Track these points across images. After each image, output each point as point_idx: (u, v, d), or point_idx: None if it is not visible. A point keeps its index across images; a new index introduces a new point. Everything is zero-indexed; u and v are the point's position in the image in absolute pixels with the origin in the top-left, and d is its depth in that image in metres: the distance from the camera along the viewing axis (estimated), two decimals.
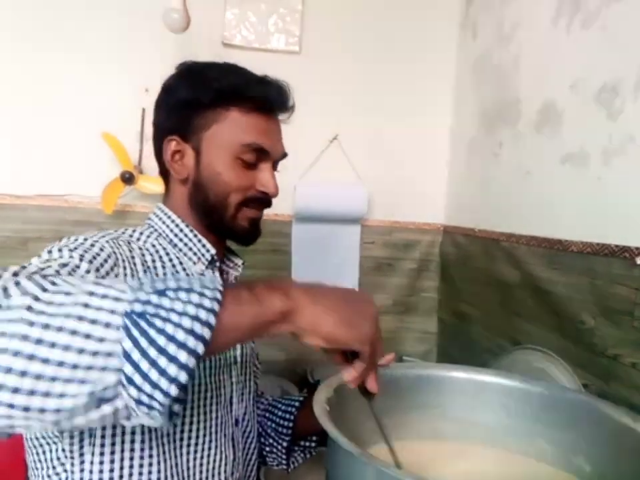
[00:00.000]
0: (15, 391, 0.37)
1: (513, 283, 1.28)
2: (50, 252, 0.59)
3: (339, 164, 1.67)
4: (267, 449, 0.92)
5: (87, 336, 0.39)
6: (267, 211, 1.79)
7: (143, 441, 0.64)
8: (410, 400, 0.80)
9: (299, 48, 1.64)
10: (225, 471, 0.75)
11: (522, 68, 1.30)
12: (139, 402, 0.40)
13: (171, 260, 0.75)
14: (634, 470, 0.65)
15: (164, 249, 0.76)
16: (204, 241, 0.78)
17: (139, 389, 0.40)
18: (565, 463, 0.74)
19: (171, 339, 0.40)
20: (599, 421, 0.71)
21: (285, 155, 0.83)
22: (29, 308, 0.39)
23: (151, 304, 0.41)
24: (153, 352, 0.40)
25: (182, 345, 0.40)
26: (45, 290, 0.41)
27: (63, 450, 0.64)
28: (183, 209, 0.79)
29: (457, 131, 1.71)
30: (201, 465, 0.71)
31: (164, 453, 0.66)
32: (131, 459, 0.64)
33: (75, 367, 0.38)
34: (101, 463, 0.63)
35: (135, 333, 0.40)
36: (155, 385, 0.40)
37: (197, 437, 0.70)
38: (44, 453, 0.65)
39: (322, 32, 1.66)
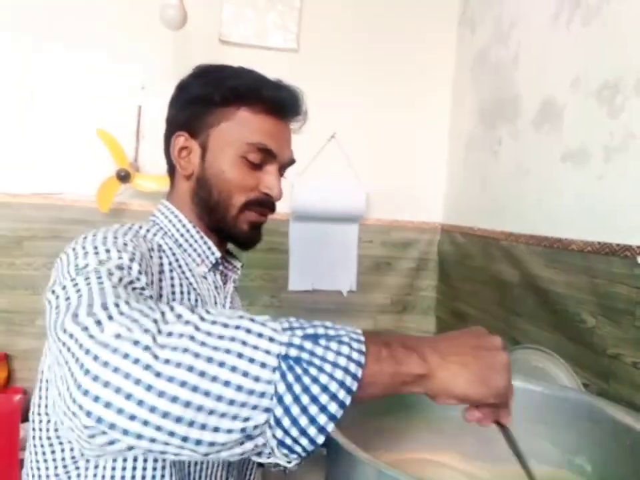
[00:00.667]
0: (178, 420, 0.39)
1: (512, 282, 1.27)
2: (85, 250, 0.57)
3: (336, 162, 1.66)
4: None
5: (245, 374, 0.40)
6: None
7: None
8: (407, 401, 0.79)
9: (296, 45, 1.63)
10: (222, 475, 0.74)
11: (521, 65, 1.29)
12: (281, 444, 0.41)
13: (177, 260, 0.74)
14: (635, 469, 0.64)
15: (170, 248, 0.75)
16: (210, 243, 0.77)
17: (286, 432, 0.41)
18: (566, 462, 0.73)
19: (324, 389, 0.41)
20: (599, 420, 0.71)
21: (292, 161, 0.82)
22: (192, 338, 0.41)
23: (306, 351, 0.42)
24: (305, 399, 0.40)
25: (334, 396, 0.41)
26: (202, 319, 0.43)
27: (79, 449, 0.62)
28: (186, 206, 0.78)
29: (455, 129, 1.70)
30: (201, 470, 0.70)
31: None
32: (145, 460, 0.63)
33: (231, 402, 0.39)
34: (114, 460, 0.62)
35: (290, 377, 0.41)
36: (302, 431, 0.41)
37: None
38: (53, 452, 0.64)
39: (320, 29, 1.65)
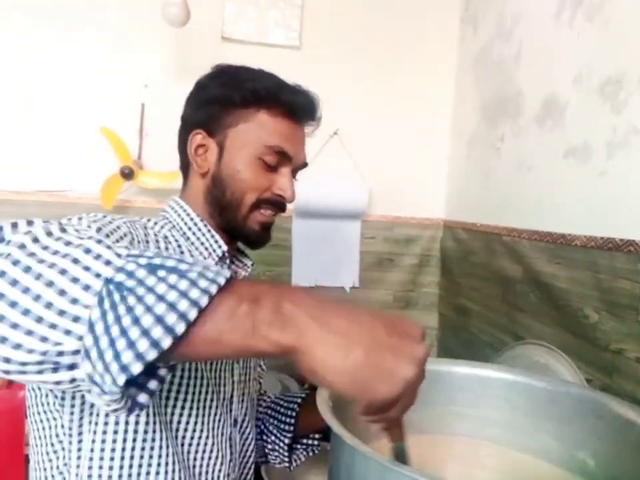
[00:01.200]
0: None
1: (515, 278, 1.27)
2: (69, 219, 0.57)
3: (339, 159, 1.66)
4: (269, 447, 0.92)
5: (62, 292, 0.36)
6: None
7: (147, 423, 0.63)
8: None
9: (298, 42, 1.63)
10: (221, 470, 0.74)
11: (523, 61, 1.29)
12: (91, 380, 0.37)
13: (182, 252, 0.75)
14: (638, 464, 0.65)
15: (176, 240, 0.76)
16: (217, 236, 0.78)
17: (93, 366, 0.36)
18: (569, 457, 0.73)
19: (136, 321, 0.35)
20: (602, 415, 0.71)
21: (305, 165, 0.83)
22: (22, 246, 0.38)
23: (134, 277, 0.37)
24: (115, 330, 0.36)
25: (145, 332, 0.35)
26: (49, 234, 0.40)
27: (62, 426, 0.63)
28: (198, 203, 0.79)
29: (457, 126, 1.70)
30: (195, 459, 0.70)
31: (166, 438, 0.66)
32: (134, 440, 0.63)
33: (39, 319, 0.36)
34: (103, 441, 0.62)
35: (106, 304, 0.36)
36: (106, 367, 0.36)
37: (194, 430, 0.70)
38: (43, 429, 0.65)
39: (322, 27, 1.65)
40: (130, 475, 0.63)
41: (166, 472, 0.65)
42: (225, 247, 0.78)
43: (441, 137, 1.74)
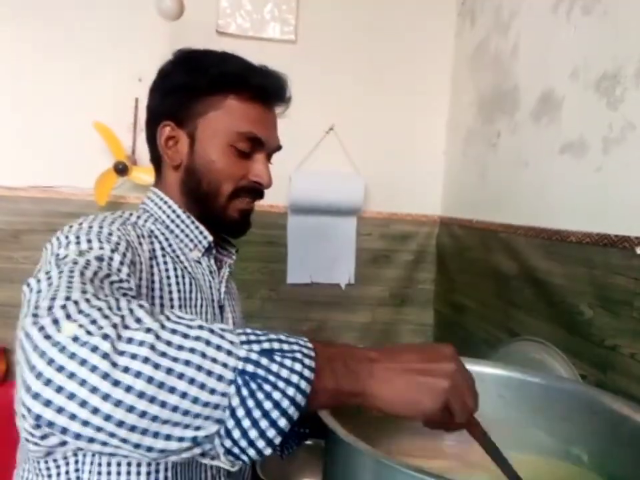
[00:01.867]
0: (133, 429, 0.39)
1: (511, 274, 1.27)
2: (68, 240, 0.57)
3: (335, 155, 1.66)
4: None
5: (202, 386, 0.40)
6: (261, 202, 1.77)
7: None
8: None
9: (294, 37, 1.62)
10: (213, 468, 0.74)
11: (521, 56, 1.29)
12: (229, 452, 0.42)
13: (170, 245, 0.75)
14: (632, 460, 0.65)
15: (162, 234, 0.75)
16: (201, 227, 0.77)
17: (235, 442, 0.41)
18: (563, 453, 0.73)
19: (276, 405, 0.42)
20: (596, 411, 0.71)
21: (279, 148, 0.82)
22: (152, 347, 0.40)
23: (262, 367, 0.42)
24: (257, 413, 0.41)
25: (284, 412, 0.42)
26: (163, 327, 0.42)
27: None
28: (175, 195, 0.78)
29: (454, 121, 1.70)
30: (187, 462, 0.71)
31: None
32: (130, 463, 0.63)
33: (186, 412, 0.40)
34: (100, 463, 0.62)
35: (245, 392, 0.41)
36: (251, 443, 0.41)
37: None
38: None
39: (318, 21, 1.64)
40: (129, 473, 0.63)
41: (173, 474, 0.65)
42: (210, 238, 0.77)
43: (437, 132, 1.74)
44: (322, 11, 1.64)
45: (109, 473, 0.63)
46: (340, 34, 1.66)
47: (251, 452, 0.42)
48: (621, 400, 0.70)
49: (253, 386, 0.41)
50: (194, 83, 0.73)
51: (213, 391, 0.40)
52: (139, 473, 0.63)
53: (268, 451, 0.42)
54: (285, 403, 0.42)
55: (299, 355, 0.44)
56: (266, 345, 0.44)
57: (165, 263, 0.71)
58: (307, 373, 0.44)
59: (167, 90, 0.76)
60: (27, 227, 1.52)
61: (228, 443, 0.41)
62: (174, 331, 0.42)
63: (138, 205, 1.51)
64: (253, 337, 0.45)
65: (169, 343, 0.41)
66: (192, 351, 0.41)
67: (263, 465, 1.20)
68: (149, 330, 0.41)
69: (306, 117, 1.62)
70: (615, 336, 0.91)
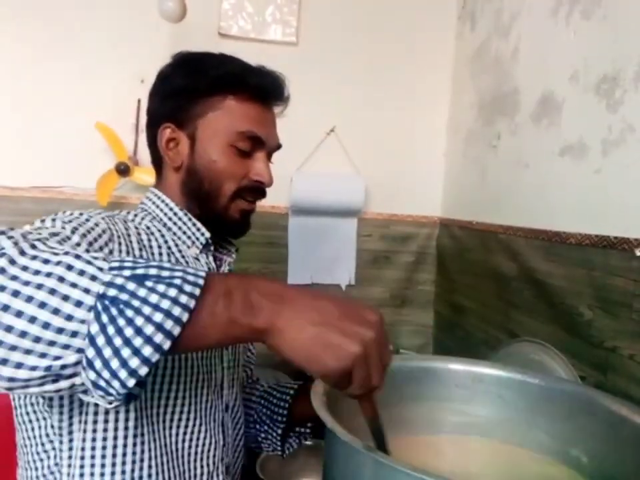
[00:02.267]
0: None
1: (510, 275, 1.27)
2: (43, 221, 0.59)
3: (336, 156, 1.66)
4: (262, 435, 0.92)
5: (56, 311, 0.39)
6: (262, 203, 1.78)
7: (137, 418, 0.63)
8: (406, 392, 0.79)
9: (296, 39, 1.63)
10: (215, 456, 0.74)
11: (521, 59, 1.29)
12: (95, 385, 0.40)
13: (166, 242, 0.75)
14: (631, 461, 0.65)
15: (159, 230, 0.75)
16: (198, 224, 0.77)
17: (98, 373, 0.40)
18: (562, 454, 0.73)
19: (139, 331, 0.39)
20: (596, 412, 0.71)
21: (279, 146, 0.82)
22: (2, 270, 0.39)
23: (126, 291, 0.40)
24: (118, 341, 0.39)
25: (149, 340, 0.39)
26: (23, 253, 0.41)
27: (52, 426, 0.63)
28: (175, 196, 0.78)
29: (454, 123, 1.70)
30: (190, 447, 0.71)
31: (157, 431, 0.66)
32: (125, 437, 0.63)
33: (37, 339, 0.38)
34: (93, 440, 0.62)
35: (104, 318, 0.39)
36: (114, 374, 0.39)
37: (187, 419, 0.70)
38: (32, 429, 0.64)
39: (319, 23, 1.65)
40: (123, 472, 0.63)
41: (156, 464, 0.65)
42: (207, 234, 0.78)
43: (437, 134, 1.74)
44: (323, 13, 1.65)
45: (92, 465, 0.62)
46: (341, 36, 1.66)
47: (115, 384, 0.40)
48: (621, 401, 0.70)
49: (114, 311, 0.39)
50: (193, 85, 0.74)
51: (69, 317, 0.39)
52: (124, 463, 0.63)
53: (131, 382, 0.40)
54: (149, 330, 0.39)
55: (177, 281, 0.42)
56: (140, 271, 0.42)
57: (160, 254, 0.72)
58: (183, 299, 0.41)
59: (166, 93, 0.77)
60: None
61: (92, 375, 0.40)
62: (34, 257, 0.41)
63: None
64: (128, 264, 0.43)
65: (24, 268, 0.40)
66: (48, 274, 0.40)
67: (262, 464, 1.20)
68: (3, 254, 0.40)
69: (307, 119, 1.63)
70: (614, 337, 0.91)
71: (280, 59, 1.57)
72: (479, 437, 0.79)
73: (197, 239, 0.77)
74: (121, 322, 0.39)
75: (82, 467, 0.62)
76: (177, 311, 0.40)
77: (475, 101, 1.55)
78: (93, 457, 0.62)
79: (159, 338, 0.40)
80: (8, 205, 1.52)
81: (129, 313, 0.40)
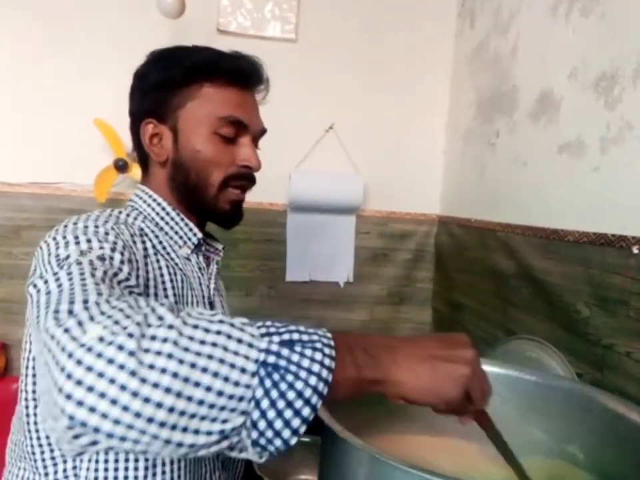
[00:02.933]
0: (162, 424, 0.39)
1: (508, 273, 1.28)
2: (66, 240, 0.58)
3: (334, 153, 1.66)
4: None
5: (226, 379, 0.41)
6: (260, 200, 1.78)
7: None
8: None
9: (295, 36, 1.62)
10: (210, 463, 0.75)
11: (520, 56, 1.29)
12: (255, 443, 0.43)
13: (160, 242, 0.74)
14: (627, 458, 0.65)
15: (152, 231, 0.75)
16: (191, 224, 0.77)
17: (261, 433, 0.42)
18: (559, 451, 0.74)
19: (299, 394, 0.42)
20: (592, 409, 0.71)
21: (264, 131, 0.81)
22: (176, 343, 0.41)
23: (283, 358, 0.43)
24: (281, 404, 0.42)
25: (307, 402, 0.43)
26: (184, 323, 0.43)
27: None
28: (164, 193, 0.77)
29: (453, 121, 1.70)
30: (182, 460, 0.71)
31: None
32: (135, 460, 0.64)
33: (212, 406, 0.40)
34: (106, 461, 0.63)
35: (268, 383, 0.42)
36: (277, 433, 0.42)
37: None
38: (47, 437, 0.65)
39: (318, 20, 1.64)
40: (126, 469, 0.64)
41: (163, 464, 0.66)
42: (200, 235, 0.77)
43: (436, 132, 1.74)
44: (322, 10, 1.65)
45: (106, 470, 0.63)
46: (340, 33, 1.66)
47: (277, 442, 0.42)
48: (617, 398, 0.70)
49: (276, 377, 0.42)
50: (169, 77, 0.74)
51: (236, 383, 0.41)
52: (136, 469, 0.64)
53: (294, 441, 0.43)
54: (308, 392, 0.42)
55: (318, 345, 0.45)
56: (286, 337, 0.45)
57: (158, 261, 0.71)
58: (327, 361, 0.44)
59: (144, 90, 0.77)
60: (27, 223, 1.52)
61: (254, 435, 0.42)
62: (196, 326, 0.42)
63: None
64: (272, 329, 0.45)
65: (191, 338, 0.41)
66: (214, 344, 0.42)
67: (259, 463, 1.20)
68: (171, 327, 0.42)
69: (306, 116, 1.63)
70: (611, 335, 0.91)
71: (279, 55, 1.59)
72: (474, 434, 0.79)
73: (189, 239, 0.77)
74: (283, 386, 0.42)
75: (97, 470, 0.63)
76: (324, 373, 0.44)
77: (474, 98, 1.55)
78: (106, 460, 0.63)
79: (314, 399, 0.43)
80: (7, 200, 1.52)
81: (290, 377, 0.42)
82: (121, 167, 1.47)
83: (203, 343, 0.42)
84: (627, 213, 0.90)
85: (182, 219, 0.76)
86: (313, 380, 0.43)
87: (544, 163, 1.16)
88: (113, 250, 0.58)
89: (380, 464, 0.49)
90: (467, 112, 1.58)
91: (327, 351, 0.45)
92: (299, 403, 0.42)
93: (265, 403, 0.42)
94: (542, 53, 1.19)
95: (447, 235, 1.67)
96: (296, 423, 0.42)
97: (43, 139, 1.53)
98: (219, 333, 0.43)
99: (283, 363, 0.43)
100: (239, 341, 0.43)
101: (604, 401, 0.70)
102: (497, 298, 1.33)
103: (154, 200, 0.77)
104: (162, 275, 0.70)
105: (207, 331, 0.43)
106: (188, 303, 0.73)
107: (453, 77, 1.72)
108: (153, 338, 0.40)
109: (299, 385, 0.42)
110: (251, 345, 0.43)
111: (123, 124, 1.50)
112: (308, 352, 0.44)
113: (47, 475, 0.64)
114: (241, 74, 0.75)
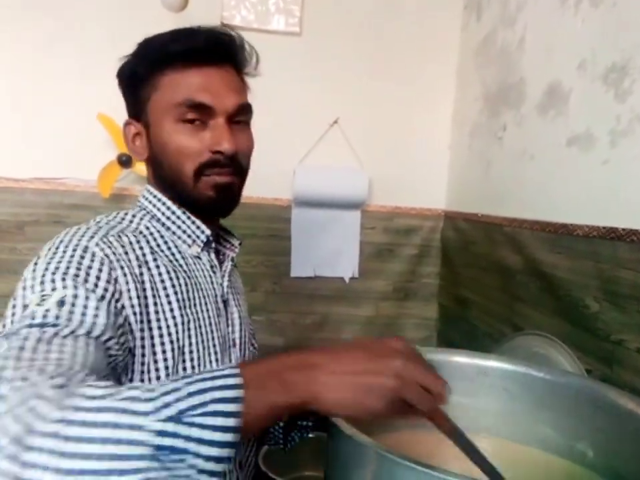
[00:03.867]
0: None
1: (515, 268, 1.26)
2: (42, 280, 0.58)
3: (339, 148, 1.65)
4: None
5: (122, 472, 0.39)
6: (265, 195, 1.77)
7: None
8: None
9: (299, 29, 1.61)
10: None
11: (527, 49, 1.27)
12: None
13: (166, 242, 0.73)
14: (638, 455, 0.64)
15: (158, 231, 0.74)
16: (198, 222, 0.75)
17: None
18: (568, 448, 0.73)
19: (192, 467, 0.41)
20: (601, 405, 0.70)
21: (242, 107, 0.73)
22: (62, 455, 0.38)
23: (180, 437, 0.41)
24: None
25: (212, 474, 0.41)
26: (70, 423, 0.39)
27: None
28: (159, 190, 0.76)
29: (459, 115, 1.69)
30: None
31: None
32: None
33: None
34: None
35: (169, 465, 0.40)
36: None
37: None
38: None
39: (323, 13, 1.63)
40: None
41: None
42: (208, 232, 0.75)
43: (442, 126, 1.73)
44: (327, 3, 1.63)
45: None
46: (345, 26, 1.64)
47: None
48: (627, 395, 0.69)
49: (175, 457, 0.40)
50: (133, 73, 0.72)
51: (137, 471, 0.39)
52: None
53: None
54: (209, 466, 0.41)
55: (220, 407, 0.42)
56: (182, 405, 0.42)
57: (157, 266, 0.69)
58: (230, 421, 0.42)
59: (122, 91, 0.76)
60: (31, 218, 1.52)
61: None
62: (83, 423, 0.40)
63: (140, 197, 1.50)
64: (168, 398, 0.42)
65: (78, 440, 0.39)
66: (104, 442, 0.39)
67: (265, 457, 1.20)
68: (55, 435, 0.39)
69: (310, 110, 1.62)
70: (621, 330, 0.90)
71: (283, 49, 1.58)
72: (483, 431, 0.78)
73: (198, 237, 0.75)
74: (181, 465, 0.40)
75: None
76: (229, 437, 0.42)
77: (480, 92, 1.53)
78: None
79: (219, 468, 0.41)
80: (11, 196, 1.52)
81: (189, 458, 0.41)
82: (124, 162, 1.46)
83: (91, 440, 0.39)
84: (638, 207, 0.88)
85: (188, 217, 0.75)
86: (214, 451, 0.41)
87: (552, 157, 1.14)
88: (75, 286, 0.57)
89: (386, 461, 0.49)
90: (473, 105, 1.56)
91: (230, 407, 0.42)
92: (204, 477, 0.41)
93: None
94: (550, 44, 1.17)
95: (453, 230, 1.66)
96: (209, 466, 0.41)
97: (46, 135, 1.52)
98: (105, 425, 0.40)
99: (179, 444, 0.40)
100: (130, 427, 0.40)
101: (614, 397, 0.69)
102: (504, 293, 1.32)
103: (158, 200, 0.75)
104: (162, 281, 0.69)
105: (94, 425, 0.40)
106: (195, 305, 0.72)
107: (459, 71, 1.70)
108: (39, 450, 0.38)
109: (199, 462, 0.41)
110: (141, 428, 0.40)
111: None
112: (209, 420, 0.42)
113: None
114: (196, 52, 0.69)
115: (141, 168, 1.49)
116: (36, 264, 0.61)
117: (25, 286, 0.59)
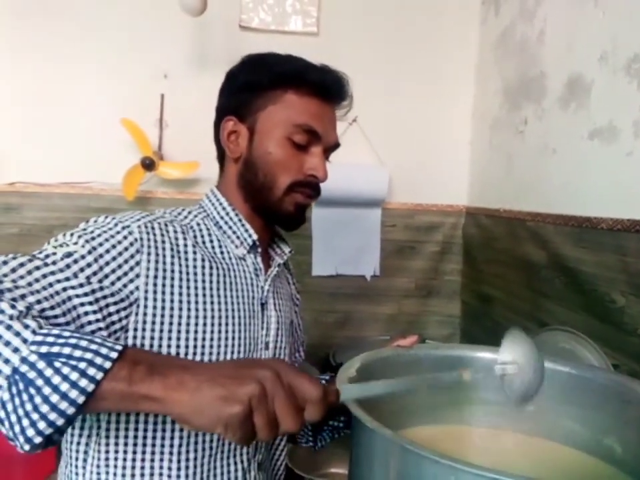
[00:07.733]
0: None
1: (539, 263, 1.25)
2: (72, 233, 0.65)
3: (359, 146, 1.65)
4: None
5: None
6: None
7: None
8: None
9: (317, 29, 1.62)
10: (248, 452, 0.75)
11: (547, 42, 1.26)
12: (8, 437, 0.47)
13: (211, 241, 0.77)
14: None
15: (208, 229, 0.77)
16: (247, 226, 0.79)
17: (7, 429, 0.47)
18: (595, 444, 0.72)
19: (35, 408, 0.46)
20: (630, 400, 0.69)
21: (337, 145, 0.82)
22: None
23: (35, 369, 0.46)
24: (20, 411, 0.46)
25: (44, 416, 0.46)
26: None
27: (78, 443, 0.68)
28: (232, 189, 0.80)
29: (479, 110, 1.67)
30: (223, 444, 0.72)
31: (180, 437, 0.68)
32: (154, 430, 0.66)
33: None
34: (134, 444, 0.66)
35: (14, 390, 0.46)
36: (15, 435, 0.46)
37: None
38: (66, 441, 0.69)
39: (340, 13, 1.63)
40: (170, 468, 0.67)
41: (202, 463, 0.68)
42: (255, 236, 0.79)
43: (462, 121, 1.72)
44: (343, 2, 1.63)
45: (133, 459, 0.66)
46: (362, 25, 1.65)
47: (20, 439, 0.46)
48: None
49: (21, 386, 0.46)
50: (256, 81, 0.76)
51: None
52: (170, 468, 0.67)
53: (27, 447, 0.46)
54: (45, 408, 0.45)
55: (82, 365, 0.46)
56: (55, 349, 0.47)
57: (195, 257, 0.73)
58: (83, 382, 0.46)
59: (231, 90, 0.79)
60: (59, 222, 1.56)
61: (3, 429, 0.47)
62: None
63: (165, 199, 1.55)
64: (49, 339, 0.48)
65: None
66: None
67: (292, 455, 1.21)
68: None
69: None
70: None
71: (301, 49, 1.57)
72: (508, 427, 0.77)
73: (245, 239, 0.78)
74: (25, 397, 0.46)
75: (133, 467, 0.66)
76: (74, 394, 0.46)
77: (500, 87, 1.52)
78: (143, 459, 0.67)
79: (53, 416, 0.46)
80: (39, 200, 1.56)
81: (32, 390, 0.46)
82: (147, 165, 1.49)
83: None
84: None
85: (239, 220, 0.79)
86: (54, 397, 0.45)
87: (574, 150, 1.13)
88: (84, 246, 0.63)
89: (410, 454, 0.49)
90: (494, 100, 1.55)
91: (90, 371, 0.46)
92: (35, 415, 0.45)
93: (9, 406, 0.46)
94: (570, 36, 1.16)
95: (475, 226, 1.65)
96: (30, 432, 0.46)
97: (72, 140, 1.56)
98: None
99: (32, 374, 0.46)
100: (7, 344, 0.46)
101: None
102: (528, 289, 1.30)
103: (217, 200, 0.80)
104: (195, 267, 0.72)
105: None
106: (226, 302, 0.74)
107: (478, 66, 1.68)
108: None
109: (38, 399, 0.45)
110: (16, 350, 0.46)
111: (148, 123, 1.54)
112: (65, 369, 0.46)
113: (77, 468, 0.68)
114: (325, 87, 0.76)
115: (163, 171, 1.52)
116: (87, 221, 0.69)
117: (65, 233, 0.66)
